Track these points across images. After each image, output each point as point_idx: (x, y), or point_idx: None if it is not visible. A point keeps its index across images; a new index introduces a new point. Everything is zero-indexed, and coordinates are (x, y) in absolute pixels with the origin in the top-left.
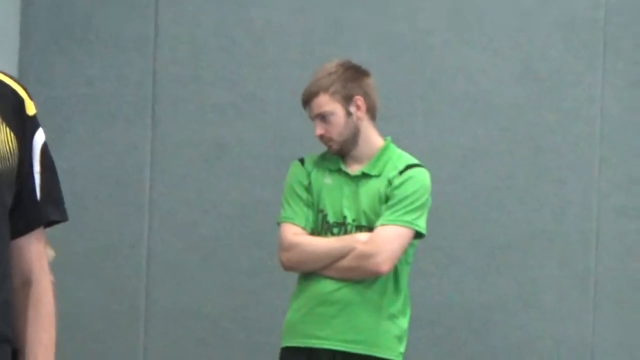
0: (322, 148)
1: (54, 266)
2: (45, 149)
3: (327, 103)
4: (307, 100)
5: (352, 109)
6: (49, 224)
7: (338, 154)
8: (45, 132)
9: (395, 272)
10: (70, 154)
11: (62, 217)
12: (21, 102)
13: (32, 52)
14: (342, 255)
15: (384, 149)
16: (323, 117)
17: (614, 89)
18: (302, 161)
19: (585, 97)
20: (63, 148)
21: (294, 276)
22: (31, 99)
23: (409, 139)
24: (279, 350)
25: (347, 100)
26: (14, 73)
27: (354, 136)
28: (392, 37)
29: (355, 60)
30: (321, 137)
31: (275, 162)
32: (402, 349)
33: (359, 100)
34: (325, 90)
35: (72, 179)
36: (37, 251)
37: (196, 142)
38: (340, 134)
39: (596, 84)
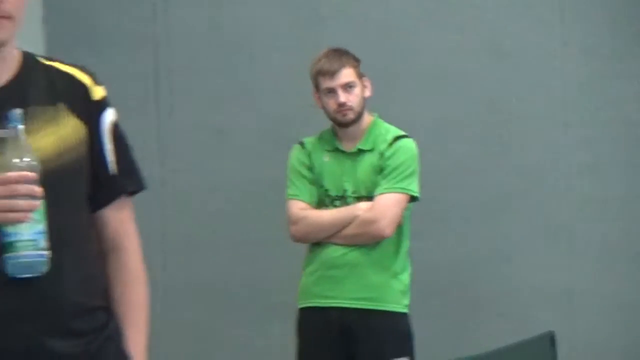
0: (314, 130)
1: None
2: (115, 127)
3: (352, 75)
4: (336, 70)
5: (363, 87)
6: (130, 193)
7: (348, 124)
8: None
9: (396, 234)
10: None
11: (139, 187)
12: (85, 89)
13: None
14: (346, 224)
15: (373, 125)
16: (348, 87)
17: (573, 57)
18: (302, 144)
19: (547, 66)
20: None
21: (303, 245)
22: (97, 83)
23: (388, 116)
24: (295, 311)
25: (360, 78)
26: None
27: (362, 111)
28: (367, 22)
29: (338, 44)
30: (343, 105)
31: (272, 144)
32: (406, 301)
33: (367, 81)
34: (350, 65)
35: None
36: (120, 220)
37: (200, 129)
38: (359, 105)
39: (556, 54)
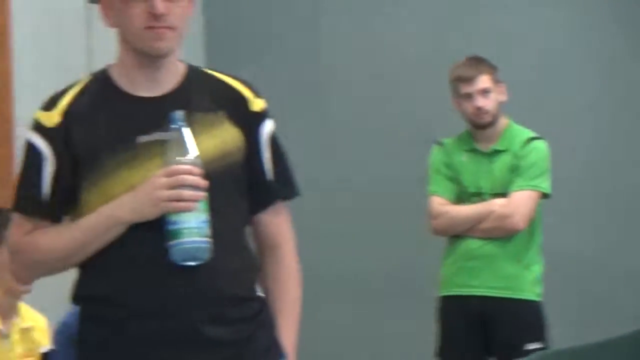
0: (453, 132)
1: None
2: (273, 138)
3: (488, 81)
4: (473, 77)
5: (498, 92)
6: (284, 198)
7: (485, 127)
8: None
9: (529, 228)
10: None
11: (293, 194)
12: (245, 100)
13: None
14: (483, 219)
15: (508, 127)
16: (484, 93)
17: None
18: (441, 144)
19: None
20: None
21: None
22: (257, 96)
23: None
24: (436, 299)
25: (496, 84)
26: None
27: (497, 114)
28: (509, 34)
29: (476, 52)
30: (480, 109)
31: (415, 144)
32: (539, 290)
33: (503, 87)
34: (487, 72)
35: None
36: (276, 223)
37: (353, 129)
38: (495, 109)
39: None
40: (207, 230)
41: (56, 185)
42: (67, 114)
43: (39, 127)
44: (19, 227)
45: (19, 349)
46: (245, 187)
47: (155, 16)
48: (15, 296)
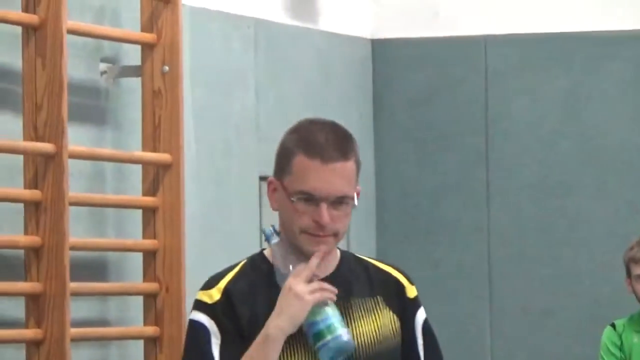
0: (627, 310)
1: None
2: (426, 325)
3: None
4: None
5: None
6: None
7: None
8: None
9: None
10: None
11: None
12: (402, 287)
13: (387, 243)
14: None
15: None
16: None
17: None
18: (613, 325)
19: None
20: None
21: None
22: (412, 283)
23: None
24: None
25: None
26: None
27: None
28: None
29: None
30: None
31: (589, 324)
32: None
33: None
34: None
35: None
36: None
37: (525, 311)
38: None
39: None
40: (344, 322)
41: (224, 357)
42: (227, 291)
43: (200, 306)
44: None
45: None
46: None
47: (319, 225)
48: None
